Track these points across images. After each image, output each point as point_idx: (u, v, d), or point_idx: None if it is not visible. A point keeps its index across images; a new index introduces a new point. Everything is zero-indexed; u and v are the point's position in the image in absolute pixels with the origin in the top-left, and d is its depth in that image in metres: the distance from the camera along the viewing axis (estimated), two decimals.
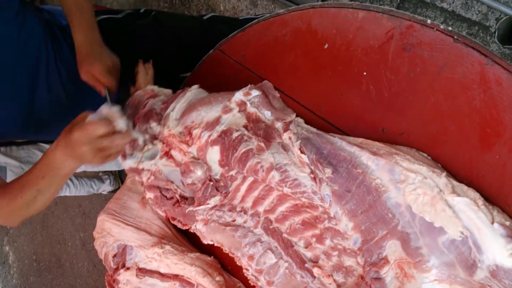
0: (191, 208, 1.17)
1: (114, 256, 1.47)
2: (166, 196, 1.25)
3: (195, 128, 1.12)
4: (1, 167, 2.45)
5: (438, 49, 0.87)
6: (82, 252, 4.37)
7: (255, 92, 1.10)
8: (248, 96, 1.10)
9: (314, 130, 1.01)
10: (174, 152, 1.18)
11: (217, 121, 1.10)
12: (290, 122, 1.04)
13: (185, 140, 1.14)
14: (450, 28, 0.85)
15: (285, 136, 1.03)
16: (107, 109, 1.00)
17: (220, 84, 1.33)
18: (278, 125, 1.06)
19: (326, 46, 1.05)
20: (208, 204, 1.14)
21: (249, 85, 1.10)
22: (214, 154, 1.11)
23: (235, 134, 1.07)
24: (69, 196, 3.06)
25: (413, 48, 0.90)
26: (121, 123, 1.01)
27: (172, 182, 1.23)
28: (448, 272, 0.81)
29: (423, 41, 0.89)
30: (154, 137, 1.22)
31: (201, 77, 1.40)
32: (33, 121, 1.38)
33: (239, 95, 1.10)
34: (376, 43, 0.96)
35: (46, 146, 2.81)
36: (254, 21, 1.21)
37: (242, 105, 1.10)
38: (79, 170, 3.01)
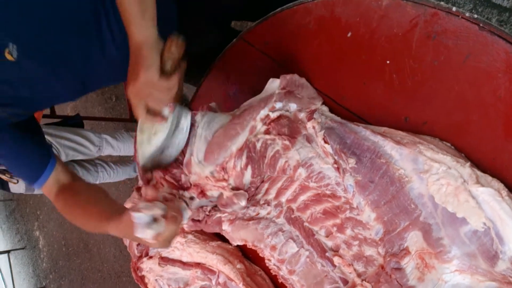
0: (219, 215, 1.17)
1: (138, 244, 1.50)
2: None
3: (228, 162, 1.07)
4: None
5: (463, 37, 0.85)
6: (109, 237, 4.46)
7: (278, 105, 1.04)
8: (273, 110, 1.05)
9: (338, 119, 1.01)
10: (210, 193, 1.12)
11: (246, 144, 1.06)
12: (314, 110, 1.04)
13: (221, 178, 1.08)
14: (476, 16, 0.83)
15: (309, 125, 1.02)
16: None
17: (243, 72, 1.33)
18: (302, 115, 1.05)
19: (349, 34, 1.04)
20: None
21: (274, 97, 1.04)
22: (247, 174, 1.08)
23: (259, 145, 1.05)
24: (98, 183, 3.12)
25: (438, 36, 0.89)
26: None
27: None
28: (469, 262, 0.81)
29: (448, 29, 0.87)
30: (179, 187, 1.13)
31: (224, 66, 1.40)
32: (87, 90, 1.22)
33: (264, 112, 1.05)
34: (400, 31, 0.95)
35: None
36: (278, 9, 1.21)
37: (265, 118, 1.06)
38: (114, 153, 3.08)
